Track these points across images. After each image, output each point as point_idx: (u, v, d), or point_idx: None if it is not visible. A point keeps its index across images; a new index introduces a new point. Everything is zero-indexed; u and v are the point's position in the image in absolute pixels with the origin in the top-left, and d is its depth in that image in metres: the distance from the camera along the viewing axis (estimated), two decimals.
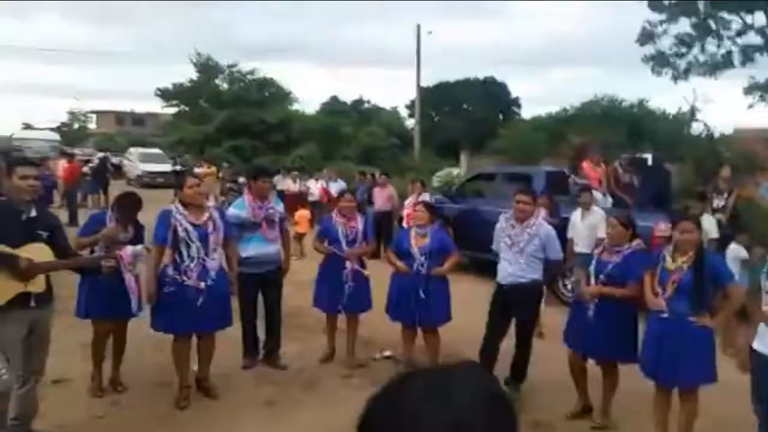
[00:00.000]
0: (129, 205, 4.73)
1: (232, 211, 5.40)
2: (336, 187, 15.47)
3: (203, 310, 4.52)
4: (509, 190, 9.38)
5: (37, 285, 3.64)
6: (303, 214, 11.96)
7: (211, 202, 5.04)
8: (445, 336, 5.52)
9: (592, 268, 4.59)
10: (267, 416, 4.52)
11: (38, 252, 3.63)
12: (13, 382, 3.64)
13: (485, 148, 25.96)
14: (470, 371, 0.87)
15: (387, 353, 5.87)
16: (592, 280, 4.52)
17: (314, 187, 16.30)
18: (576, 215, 7.76)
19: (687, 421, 3.99)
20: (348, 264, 5.48)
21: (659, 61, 22.00)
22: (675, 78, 21.67)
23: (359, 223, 5.66)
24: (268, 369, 5.48)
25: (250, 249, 5.29)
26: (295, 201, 14.30)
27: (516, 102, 36.92)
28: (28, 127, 40.55)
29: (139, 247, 4.33)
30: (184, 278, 4.48)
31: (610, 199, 9.07)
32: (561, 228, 7.82)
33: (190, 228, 4.55)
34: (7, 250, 3.47)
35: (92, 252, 4.50)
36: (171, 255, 4.54)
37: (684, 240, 3.99)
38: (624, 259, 4.42)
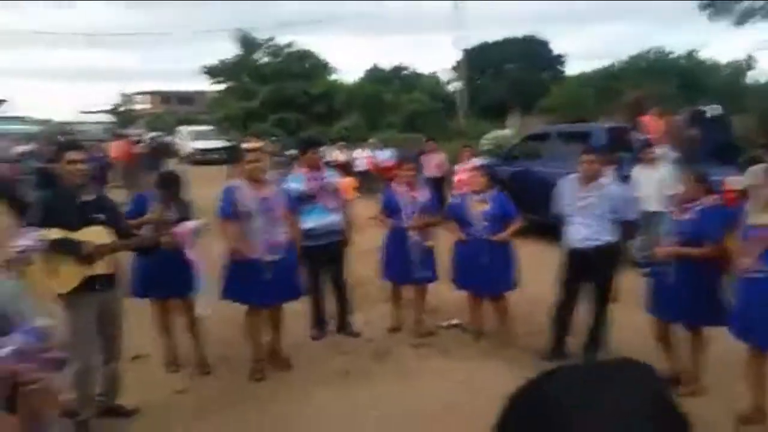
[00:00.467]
0: (169, 184, 4.78)
1: (291, 185, 5.38)
2: (383, 155, 15.40)
3: (273, 283, 4.54)
4: (566, 150, 9.18)
5: (101, 268, 3.69)
6: (348, 181, 11.83)
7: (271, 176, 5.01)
8: (513, 302, 5.43)
9: (664, 227, 4.39)
10: (341, 386, 4.54)
11: (96, 234, 3.66)
12: (88, 366, 3.73)
13: (533, 108, 25.33)
14: (634, 372, 0.75)
15: (454, 321, 5.81)
16: (666, 240, 4.32)
17: (361, 157, 16.26)
18: (640, 172, 7.46)
19: None
20: (411, 235, 5.41)
21: (717, 8, 20.79)
22: (736, 24, 20.41)
23: (421, 192, 5.54)
24: (337, 339, 5.51)
25: (312, 220, 5.29)
26: (342, 171, 14.25)
27: (559, 59, 35.70)
28: (83, 111, 41.66)
29: (197, 221, 4.30)
30: (251, 251, 4.49)
31: (673, 154, 8.68)
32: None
33: (254, 202, 4.56)
34: (55, 235, 3.50)
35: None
36: (237, 229, 4.56)
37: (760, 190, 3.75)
38: (700, 216, 4.19)
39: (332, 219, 5.39)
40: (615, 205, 4.70)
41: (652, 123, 9.13)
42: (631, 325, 4.99)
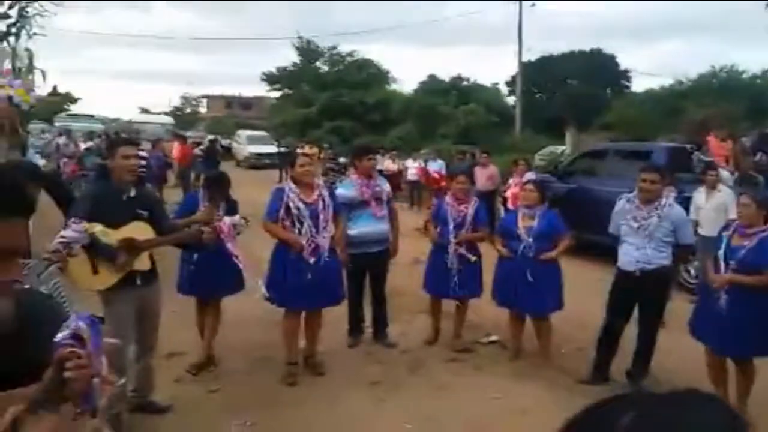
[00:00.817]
0: (219, 184, 4.88)
1: (341, 191, 5.45)
2: (434, 166, 15.31)
3: (314, 287, 4.53)
4: (624, 168, 8.89)
5: (142, 263, 3.73)
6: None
7: (321, 181, 5.03)
8: (556, 322, 5.25)
9: (721, 253, 4.15)
10: (370, 396, 4.49)
11: (139, 230, 3.70)
12: (126, 359, 3.78)
13: (592, 125, 24.76)
14: (708, 407, 0.66)
15: (493, 338, 5.67)
16: (722, 267, 4.08)
17: (412, 167, 16.23)
18: (700, 195, 7.13)
19: None
20: (450, 248, 5.31)
21: None
22: None
23: (470, 206, 5.44)
24: (373, 348, 5.46)
25: (360, 227, 5.29)
26: (394, 180, 14.26)
27: (625, 75, 34.76)
28: (144, 111, 43.26)
29: (236, 217, 4.33)
30: (297, 254, 4.50)
31: (735, 178, 8.27)
32: (684, 209, 7.24)
33: (301, 206, 4.59)
34: (99, 227, 3.53)
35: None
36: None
37: None
38: (759, 243, 3.95)
39: (380, 228, 5.37)
40: (673, 227, 4.49)
41: (716, 145, 8.75)
42: (677, 351, 4.77)
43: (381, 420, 4.13)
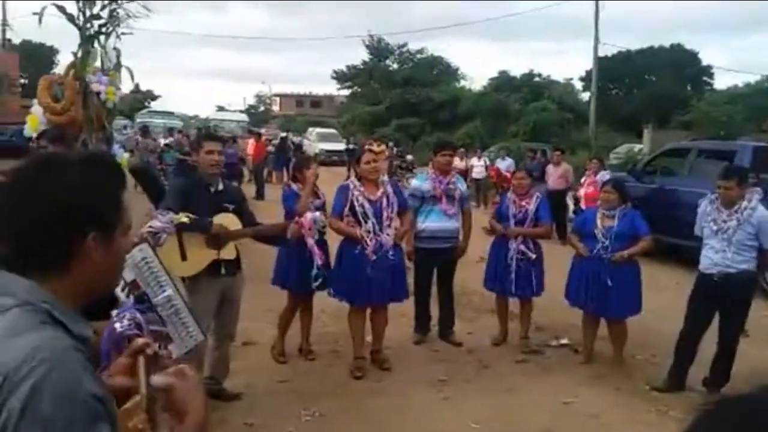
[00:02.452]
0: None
1: (414, 182, 5.55)
2: (504, 164, 15.08)
3: (378, 283, 4.56)
4: (706, 168, 8.46)
5: (229, 253, 3.87)
6: None
7: (386, 178, 5.05)
8: (631, 327, 5.06)
9: None
10: (437, 393, 4.47)
11: (228, 221, 3.85)
12: (201, 347, 3.91)
13: (671, 123, 23.73)
14: None
15: (563, 341, 5.53)
16: None
17: (477, 165, 16.07)
18: None
19: None
20: (513, 244, 5.23)
21: None
22: None
23: (532, 202, 5.36)
24: (439, 345, 5.44)
25: (429, 222, 5.30)
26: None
27: (707, 71, 33.08)
28: (221, 109, 44.76)
29: (317, 213, 4.44)
30: (361, 250, 4.54)
31: None
32: None
33: (366, 203, 4.62)
34: (185, 219, 3.68)
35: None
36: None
37: None
38: None
39: (449, 224, 5.36)
40: (756, 231, 4.28)
41: None
42: (757, 360, 4.49)
43: (447, 418, 4.11)
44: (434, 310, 5.65)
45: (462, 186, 5.54)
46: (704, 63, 33.02)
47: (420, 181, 5.51)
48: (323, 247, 4.68)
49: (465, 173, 15.78)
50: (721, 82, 38.38)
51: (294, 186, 4.88)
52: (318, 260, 4.52)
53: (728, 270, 4.30)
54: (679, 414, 4.09)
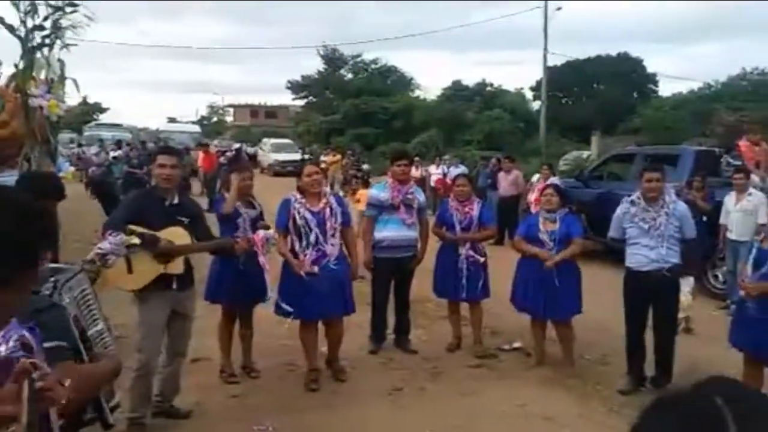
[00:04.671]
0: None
1: (372, 191, 5.61)
2: (455, 172, 15.25)
3: (324, 296, 4.52)
4: None
5: (176, 267, 3.79)
6: (365, 192, 11.63)
7: (328, 189, 5.05)
8: (579, 328, 5.17)
9: (751, 258, 4.05)
10: (392, 402, 4.46)
11: (177, 235, 3.78)
12: (151, 364, 3.81)
13: (619, 129, 24.45)
14: None
15: (516, 345, 5.60)
16: (749, 271, 3.99)
17: (435, 173, 16.21)
18: (729, 199, 6.98)
19: None
20: (462, 250, 5.31)
21: None
22: None
23: (475, 208, 5.45)
24: (395, 355, 5.43)
25: (387, 231, 5.31)
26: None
27: (652, 79, 34.24)
28: (172, 120, 43.94)
29: (270, 231, 4.42)
30: (301, 267, 4.50)
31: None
32: (715, 214, 7.10)
33: (308, 215, 4.59)
34: (136, 240, 3.61)
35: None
36: (291, 242, 4.63)
37: None
38: None
39: (408, 234, 5.38)
40: (680, 223, 4.49)
41: (746, 148, 8.55)
42: (709, 359, 4.65)
43: (403, 427, 4.11)
44: (389, 319, 5.65)
45: (420, 196, 5.57)
46: (649, 71, 34.17)
47: (378, 190, 5.53)
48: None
49: (422, 182, 15.90)
50: (666, 89, 39.81)
51: (225, 194, 4.83)
52: (267, 277, 4.46)
53: (663, 266, 4.45)
54: (631, 412, 4.19)
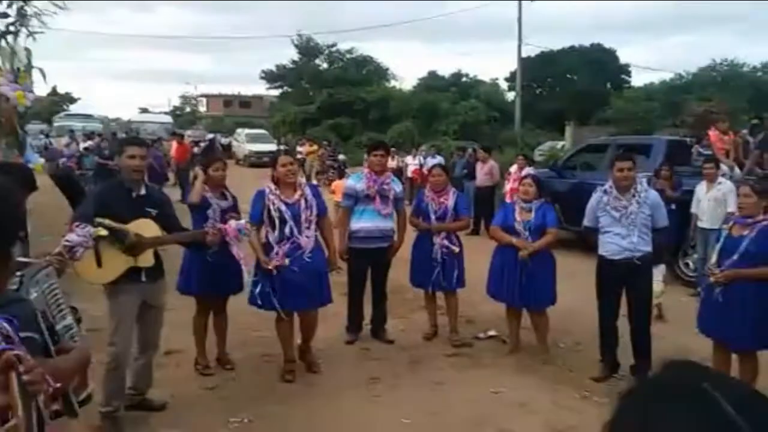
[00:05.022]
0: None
1: (349, 181, 5.59)
2: (432, 162, 15.26)
3: (300, 288, 4.49)
4: None
5: (147, 260, 3.73)
6: (340, 183, 11.64)
7: (303, 180, 5.01)
8: (554, 316, 5.23)
9: (719, 246, 4.13)
10: (369, 392, 4.47)
11: (146, 227, 3.72)
12: (124, 357, 3.76)
13: (592, 119, 24.72)
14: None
15: (491, 333, 5.66)
16: (714, 257, 4.09)
17: (411, 164, 16.22)
18: (700, 188, 7.11)
19: None
20: (437, 240, 5.33)
21: None
22: None
23: (450, 198, 5.47)
24: (372, 345, 5.44)
25: (362, 221, 5.29)
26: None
27: (625, 70, 34.67)
28: (144, 111, 43.28)
29: (242, 222, 4.36)
30: (276, 258, 4.46)
31: (738, 171, 8.24)
32: (683, 202, 7.23)
33: (282, 207, 4.55)
34: (104, 232, 3.54)
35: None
36: (265, 234, 4.58)
37: None
38: (760, 233, 3.93)
39: (384, 224, 5.36)
40: (651, 211, 4.55)
41: (717, 138, 8.71)
42: (681, 346, 4.76)
43: (379, 416, 4.11)
44: (366, 309, 5.65)
45: (397, 186, 5.55)
46: (622, 61, 34.58)
47: (354, 180, 5.51)
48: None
49: (399, 172, 15.89)
50: (639, 79, 40.37)
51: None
52: (244, 267, 4.42)
53: (635, 254, 4.50)
54: (602, 398, 4.26)
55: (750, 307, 3.87)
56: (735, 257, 3.96)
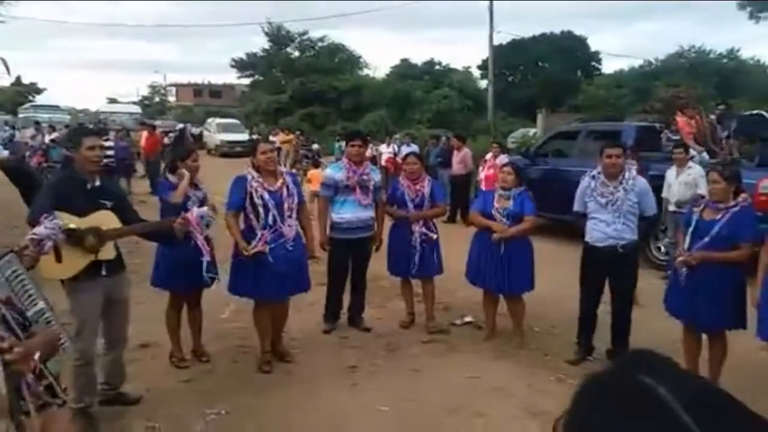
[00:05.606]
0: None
1: (328, 172, 5.54)
2: (406, 151, 15.25)
3: (280, 276, 4.47)
4: (595, 149, 8.94)
5: (107, 253, 3.64)
6: (317, 172, 11.63)
7: (283, 168, 4.95)
8: (529, 301, 5.28)
9: (691, 229, 4.20)
10: (346, 381, 4.47)
11: (106, 219, 3.62)
12: (91, 352, 3.69)
13: (564, 107, 24.95)
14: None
15: (467, 319, 5.70)
16: (687, 240, 4.15)
17: (385, 152, 16.17)
18: (671, 173, 7.23)
19: None
20: (415, 227, 5.34)
21: (758, 5, 20.13)
22: None
23: (426, 186, 5.48)
24: (349, 333, 5.44)
25: (344, 212, 5.27)
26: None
27: (596, 57, 35.03)
28: (112, 101, 42.45)
29: (204, 209, 4.23)
30: (257, 245, 4.42)
31: (706, 156, 8.40)
32: (652, 188, 7.34)
33: (266, 194, 4.50)
34: (73, 225, 3.46)
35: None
36: (245, 221, 4.52)
37: None
38: (731, 218, 4.00)
39: (364, 214, 5.34)
40: (639, 199, 4.58)
41: (684, 123, 8.86)
42: (653, 329, 4.84)
43: (356, 404, 4.12)
44: (344, 298, 5.64)
45: (376, 176, 5.52)
46: (593, 49, 34.91)
47: (333, 171, 5.46)
48: (209, 243, 4.49)
49: (373, 161, 15.85)
50: (609, 66, 40.89)
51: (171, 177, 4.64)
52: (206, 257, 4.33)
53: (619, 242, 4.54)
54: (576, 381, 4.32)
55: (717, 288, 3.96)
56: (707, 239, 4.04)
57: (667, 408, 0.59)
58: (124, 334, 3.98)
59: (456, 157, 11.92)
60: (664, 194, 7.21)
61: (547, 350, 5.00)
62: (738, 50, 29.36)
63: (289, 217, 4.57)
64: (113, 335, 3.89)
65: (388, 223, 5.63)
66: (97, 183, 3.73)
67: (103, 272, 3.65)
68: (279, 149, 19.18)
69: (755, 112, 9.49)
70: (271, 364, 4.65)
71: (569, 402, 0.67)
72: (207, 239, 4.44)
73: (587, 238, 4.73)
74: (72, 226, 3.44)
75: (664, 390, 0.60)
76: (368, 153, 15.52)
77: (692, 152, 7.76)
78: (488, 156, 11.01)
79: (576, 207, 4.86)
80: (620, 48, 77.90)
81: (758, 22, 20.40)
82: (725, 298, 3.96)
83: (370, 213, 5.39)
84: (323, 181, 5.53)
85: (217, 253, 4.69)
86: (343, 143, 5.95)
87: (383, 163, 15.72)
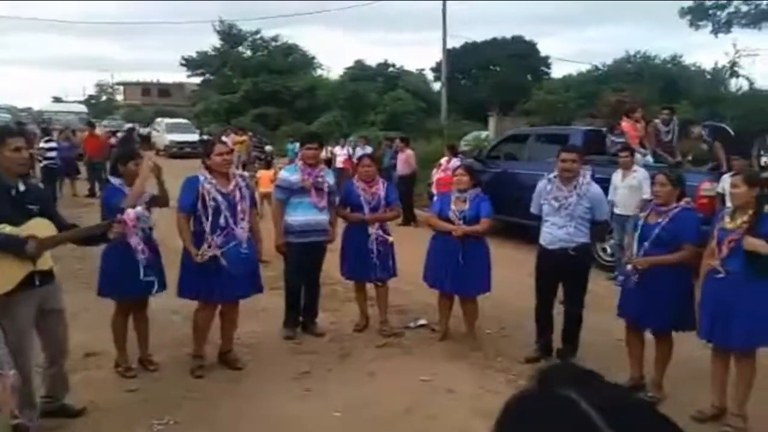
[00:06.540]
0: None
1: (283, 173, 5.49)
2: (361, 153, 15.25)
3: (232, 279, 4.40)
4: (544, 152, 9.14)
5: (45, 263, 3.47)
6: (265, 174, 11.56)
7: (236, 170, 4.86)
8: (482, 303, 5.34)
9: (637, 234, 4.31)
10: (298, 387, 4.41)
11: (41, 228, 3.44)
12: (29, 367, 3.51)
13: (515, 110, 25.38)
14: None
15: (421, 322, 5.72)
16: (635, 245, 4.25)
17: (340, 154, 16.13)
18: (616, 176, 7.44)
19: (745, 385, 3.75)
20: (372, 230, 5.32)
21: (697, 14, 20.92)
22: (715, 31, 20.57)
23: (381, 188, 5.48)
24: (302, 339, 5.37)
25: (298, 215, 5.20)
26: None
27: (545, 62, 35.81)
28: (57, 100, 41.01)
29: (139, 208, 4.07)
30: (208, 247, 4.34)
31: (651, 159, 8.67)
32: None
33: (218, 196, 4.41)
34: (14, 232, 3.30)
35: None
36: (194, 223, 4.43)
37: (735, 195, 3.80)
38: (673, 219, 4.13)
39: (320, 217, 5.27)
40: (591, 204, 4.66)
41: (629, 127, 9.11)
42: (598, 328, 4.96)
43: (309, 410, 4.07)
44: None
45: (330, 179, 5.46)
46: (542, 54, 35.66)
47: (288, 173, 5.38)
48: (151, 245, 4.37)
49: (328, 163, 15.78)
50: (558, 71, 41.75)
51: (115, 181, 4.47)
52: (143, 260, 4.20)
53: (570, 245, 4.63)
54: (527, 382, 4.38)
55: (664, 290, 4.06)
56: (646, 244, 4.15)
57: (590, 423, 0.60)
58: (65, 346, 3.79)
59: (400, 159, 12.13)
60: (609, 197, 7.39)
61: (499, 351, 5.06)
62: (681, 56, 30.45)
63: (242, 219, 4.50)
64: (54, 349, 3.70)
65: (341, 226, 5.59)
66: (22, 187, 3.52)
67: (37, 282, 3.45)
68: (231, 151, 18.99)
69: (720, 125, 9.87)
70: (203, 369, 4.56)
71: (495, 421, 0.68)
72: (150, 240, 4.33)
73: (540, 241, 4.81)
74: (7, 230, 3.27)
75: (586, 404, 0.62)
76: (323, 155, 15.50)
77: (637, 156, 7.99)
78: (443, 160, 11.13)
79: (532, 209, 4.94)
80: (569, 53, 79.81)
81: (698, 30, 21.17)
82: (671, 300, 4.07)
83: (325, 216, 5.32)
84: (277, 184, 5.46)
85: (167, 255, 4.57)
86: (297, 145, 5.91)
87: (339, 164, 15.68)
